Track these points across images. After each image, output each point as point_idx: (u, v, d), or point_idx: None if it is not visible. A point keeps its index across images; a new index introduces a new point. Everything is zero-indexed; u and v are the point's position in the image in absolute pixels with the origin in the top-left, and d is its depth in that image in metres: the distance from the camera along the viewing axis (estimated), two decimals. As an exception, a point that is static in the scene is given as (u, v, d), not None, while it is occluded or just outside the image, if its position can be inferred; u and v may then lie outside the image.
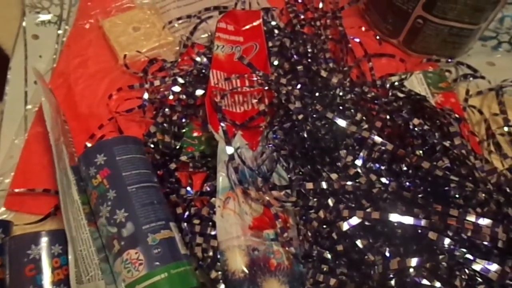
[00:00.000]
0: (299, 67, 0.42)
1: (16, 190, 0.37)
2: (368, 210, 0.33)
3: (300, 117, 0.39)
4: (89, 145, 0.40)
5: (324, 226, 0.34)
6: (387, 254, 0.32)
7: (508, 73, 0.49)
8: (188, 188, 0.38)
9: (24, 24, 0.48)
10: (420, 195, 0.34)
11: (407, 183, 0.36)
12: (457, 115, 0.42)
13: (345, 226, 0.32)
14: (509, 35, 0.55)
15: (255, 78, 0.41)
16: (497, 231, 0.31)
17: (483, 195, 0.34)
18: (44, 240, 0.32)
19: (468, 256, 0.31)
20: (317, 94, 0.41)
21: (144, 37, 0.47)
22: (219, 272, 0.34)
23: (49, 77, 0.45)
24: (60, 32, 0.48)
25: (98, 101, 0.43)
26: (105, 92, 0.44)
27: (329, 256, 0.34)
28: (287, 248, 0.35)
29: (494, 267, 0.30)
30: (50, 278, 0.31)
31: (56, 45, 0.47)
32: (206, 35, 0.48)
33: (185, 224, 0.36)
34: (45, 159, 0.39)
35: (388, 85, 0.44)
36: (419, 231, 0.32)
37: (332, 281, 0.32)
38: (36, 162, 0.39)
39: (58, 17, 0.49)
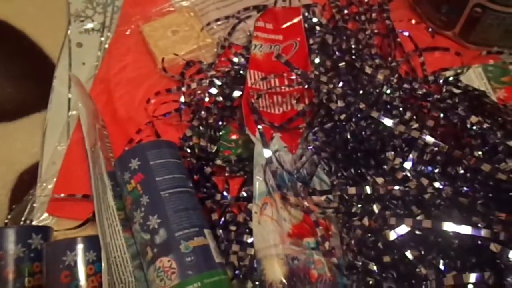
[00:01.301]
0: (341, 64, 0.40)
1: (58, 196, 0.38)
2: (419, 217, 0.29)
3: (343, 117, 0.36)
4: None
5: (369, 235, 0.31)
6: (442, 267, 0.29)
7: None
8: (225, 193, 0.37)
9: (69, 32, 0.49)
10: (479, 202, 0.30)
11: (464, 188, 0.32)
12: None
13: (392, 235, 0.29)
14: None
15: (293, 77, 0.39)
16: None
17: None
18: (79, 247, 0.31)
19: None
20: (361, 92, 0.38)
21: (182, 40, 0.46)
22: (256, 283, 0.32)
23: (90, 84, 0.45)
24: (102, 39, 0.49)
25: (136, 106, 0.43)
26: (143, 96, 0.44)
27: (375, 268, 0.31)
28: (329, 258, 0.32)
29: None
30: (85, 285, 0.30)
31: (99, 52, 0.48)
32: (245, 35, 0.47)
33: (221, 230, 0.34)
34: (86, 165, 0.39)
35: (441, 81, 0.40)
36: (479, 242, 0.28)
37: (378, 296, 0.29)
38: (77, 168, 0.40)
39: (101, 24, 0.50)
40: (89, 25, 0.50)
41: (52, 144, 0.41)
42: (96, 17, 0.51)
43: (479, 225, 0.29)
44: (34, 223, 0.37)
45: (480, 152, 0.33)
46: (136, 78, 0.45)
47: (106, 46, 0.48)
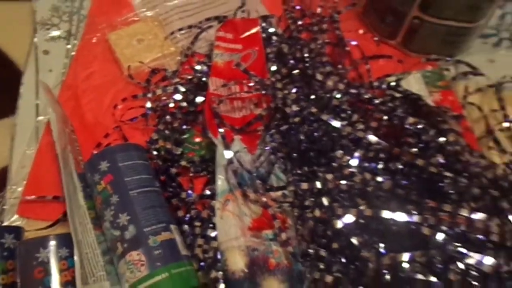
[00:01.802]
0: (295, 72, 0.44)
1: (28, 198, 0.40)
2: (362, 208, 0.33)
3: (297, 120, 0.40)
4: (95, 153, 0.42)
5: (320, 225, 0.35)
6: (381, 250, 0.33)
7: (509, 70, 0.49)
8: (189, 192, 0.39)
9: (35, 40, 0.51)
10: (414, 192, 0.35)
11: (402, 181, 0.37)
12: (454, 113, 0.43)
13: (339, 224, 0.33)
14: (510, 32, 0.55)
15: (252, 84, 0.43)
16: (491, 224, 0.31)
17: (477, 190, 0.34)
18: (51, 244, 0.33)
19: (462, 250, 0.31)
20: (313, 97, 0.42)
21: (147, 49, 0.49)
22: (220, 272, 0.35)
23: (58, 91, 0.47)
24: (69, 46, 0.51)
25: (104, 111, 0.45)
26: (110, 102, 0.46)
27: (325, 254, 0.34)
28: (285, 248, 0.35)
29: (488, 260, 0.31)
30: (58, 280, 0.32)
31: (66, 59, 0.50)
32: (207, 44, 0.50)
33: (186, 226, 0.37)
34: (55, 168, 0.41)
35: (384, 86, 0.45)
36: (413, 227, 0.32)
37: (329, 278, 0.33)
38: (47, 170, 0.41)
39: (68, 32, 0.52)
40: (56, 33, 0.52)
41: (21, 149, 0.43)
42: (62, 25, 0.52)
43: (413, 212, 0.33)
44: (5, 224, 0.39)
45: (415, 149, 0.38)
46: (103, 84, 0.47)
47: (73, 53, 0.50)
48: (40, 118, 0.45)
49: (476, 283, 0.31)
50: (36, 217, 0.39)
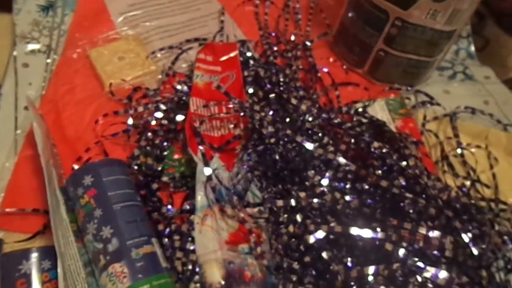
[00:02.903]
0: (272, 95, 0.47)
1: (7, 210, 0.40)
2: (332, 224, 0.36)
3: (272, 140, 0.43)
4: (76, 167, 0.43)
5: (293, 240, 0.38)
6: (349, 264, 0.36)
7: (461, 100, 0.54)
8: (169, 207, 0.41)
9: (15, 53, 0.51)
10: (378, 211, 0.38)
11: (368, 200, 0.40)
12: (414, 139, 0.47)
13: (311, 239, 0.36)
14: (463, 66, 0.60)
15: (231, 105, 0.45)
16: (445, 242, 0.35)
17: (434, 210, 0.38)
18: (34, 256, 0.34)
19: (420, 264, 0.35)
20: (287, 119, 0.45)
21: (129, 66, 0.50)
22: (198, 284, 0.37)
23: (38, 104, 0.47)
24: (49, 61, 0.51)
25: (85, 126, 0.46)
26: (91, 117, 0.47)
27: (297, 267, 0.37)
28: (260, 261, 0.38)
29: (442, 274, 0.34)
30: (40, 291, 0.33)
31: (45, 73, 0.50)
32: (187, 64, 0.52)
33: (166, 239, 0.39)
34: (34, 181, 0.42)
35: (352, 112, 0.48)
36: (377, 243, 0.36)
37: (300, 289, 0.35)
38: (26, 183, 0.42)
39: (47, 46, 0.53)
40: (35, 47, 0.52)
41: (0, 161, 0.43)
42: (42, 39, 0.53)
43: (377, 229, 0.36)
44: (-18, 236, 0.39)
45: (380, 171, 0.41)
46: (84, 99, 0.48)
47: (53, 67, 0.51)
48: (19, 131, 0.45)
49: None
50: (14, 229, 0.39)
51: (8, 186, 0.42)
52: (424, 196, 0.39)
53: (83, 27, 0.54)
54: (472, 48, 0.63)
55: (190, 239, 0.39)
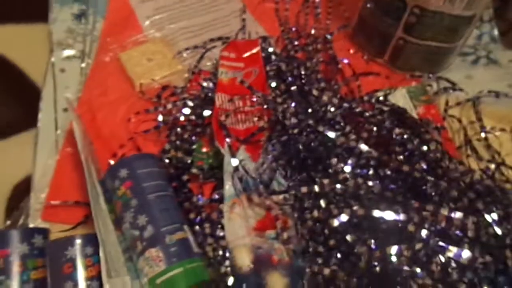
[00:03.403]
0: (293, 88, 0.48)
1: (52, 203, 0.43)
2: (355, 208, 0.38)
3: (295, 131, 0.44)
4: (112, 162, 0.46)
5: (318, 224, 0.39)
6: (373, 246, 0.37)
7: (485, 85, 0.54)
8: (199, 196, 0.43)
9: (52, 59, 0.55)
10: (400, 194, 0.39)
11: (391, 185, 0.41)
12: (436, 125, 0.48)
13: (335, 223, 0.38)
14: (486, 51, 0.60)
15: (255, 99, 0.47)
16: (467, 222, 0.36)
17: (455, 192, 0.38)
18: (78, 242, 0.37)
19: (442, 244, 0.36)
20: (309, 110, 0.46)
21: (157, 67, 0.53)
22: (228, 268, 0.39)
23: (75, 105, 0.51)
24: (83, 65, 0.55)
25: (118, 124, 0.49)
26: (124, 116, 0.50)
27: (322, 250, 0.38)
28: (287, 246, 0.40)
29: (465, 253, 0.35)
30: (84, 274, 0.36)
31: (81, 77, 0.54)
32: (211, 62, 0.55)
33: (197, 227, 0.41)
34: (75, 175, 0.45)
35: (374, 100, 0.49)
36: (400, 225, 0.37)
37: (326, 271, 0.37)
38: (67, 178, 0.45)
39: (81, 52, 0.56)
40: (70, 53, 0.56)
41: (43, 159, 0.47)
42: (76, 45, 0.56)
43: (400, 211, 0.37)
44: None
45: (401, 157, 0.42)
46: (117, 100, 0.51)
47: (87, 71, 0.54)
48: (59, 132, 0.49)
49: (455, 273, 0.35)
50: (59, 220, 0.43)
51: (52, 181, 0.45)
52: (445, 179, 0.40)
53: (113, 32, 0.58)
54: (496, 32, 0.62)
55: (220, 226, 0.41)
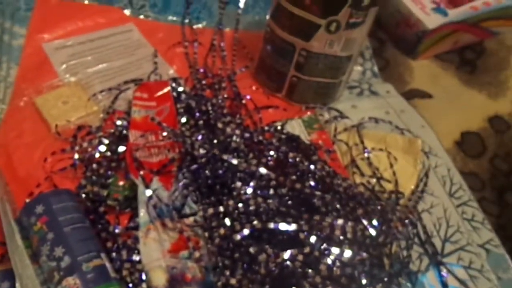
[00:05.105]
0: (201, 122, 0.54)
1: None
2: (254, 222, 0.43)
3: (203, 160, 0.50)
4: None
5: (224, 240, 0.44)
6: (271, 254, 0.43)
7: (367, 113, 0.63)
8: (116, 225, 0.47)
9: (-35, 105, 0.56)
10: (294, 208, 0.46)
11: (287, 201, 0.48)
12: (327, 148, 0.56)
13: (237, 237, 0.43)
14: (369, 84, 0.70)
15: (165, 134, 0.52)
16: (346, 227, 0.43)
17: (337, 203, 0.46)
18: (-6, 279, 0.39)
19: (328, 247, 0.42)
20: (215, 141, 0.52)
21: (72, 109, 0.56)
22: (145, 289, 0.42)
23: (-10, 149, 0.52)
24: (-3, 110, 0.57)
25: (34, 165, 0.51)
26: (40, 157, 0.52)
27: (229, 262, 0.43)
28: (199, 263, 0.44)
29: (346, 253, 0.42)
30: (1, 310, 0.38)
31: (-5, 122, 0.55)
32: (125, 102, 0.59)
33: (114, 254, 0.44)
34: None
35: (272, 129, 0.56)
36: (292, 234, 0.43)
37: (233, 281, 0.42)
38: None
39: (-5, 98, 0.58)
40: (-16, 99, 0.57)
41: (-44, 203, 0.47)
42: (-10, 92, 0.58)
43: (292, 223, 0.43)
44: None
45: (294, 176, 0.49)
46: (33, 141, 0.53)
47: (2, 116, 0.56)
48: (-28, 175, 0.50)
49: (338, 270, 0.42)
50: (-26, 261, 0.44)
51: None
52: (331, 193, 0.47)
53: (28, 78, 0.60)
54: (376, 68, 0.73)
55: (136, 251, 0.45)
